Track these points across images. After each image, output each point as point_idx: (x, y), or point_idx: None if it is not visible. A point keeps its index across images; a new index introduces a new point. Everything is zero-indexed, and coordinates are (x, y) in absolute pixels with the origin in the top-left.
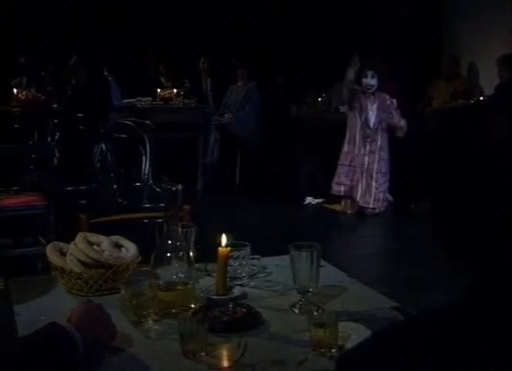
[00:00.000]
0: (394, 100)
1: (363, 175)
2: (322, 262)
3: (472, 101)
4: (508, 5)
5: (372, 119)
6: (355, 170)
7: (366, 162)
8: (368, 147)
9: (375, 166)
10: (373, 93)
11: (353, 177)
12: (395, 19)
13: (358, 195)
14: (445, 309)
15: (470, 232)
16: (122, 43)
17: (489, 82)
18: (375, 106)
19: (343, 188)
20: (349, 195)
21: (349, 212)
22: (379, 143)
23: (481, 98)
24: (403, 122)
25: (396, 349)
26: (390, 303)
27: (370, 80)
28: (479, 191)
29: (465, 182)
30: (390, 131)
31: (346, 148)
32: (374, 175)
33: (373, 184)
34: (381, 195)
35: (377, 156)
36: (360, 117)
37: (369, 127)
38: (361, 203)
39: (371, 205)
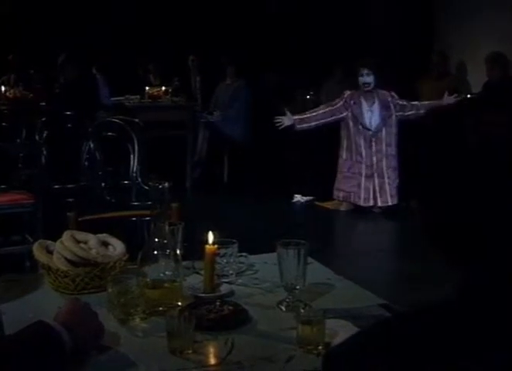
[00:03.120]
0: (393, 93)
1: (375, 176)
2: (310, 259)
3: (461, 99)
4: (497, 5)
5: (374, 119)
6: (354, 176)
7: (374, 161)
8: (374, 147)
9: (384, 163)
10: (371, 92)
11: (352, 183)
12: (386, 18)
13: (361, 200)
14: (432, 307)
15: (462, 232)
16: (111, 41)
17: (477, 80)
18: (376, 105)
19: (342, 194)
20: (348, 201)
21: (342, 209)
22: (385, 140)
23: (468, 96)
24: (423, 110)
25: (382, 346)
26: (378, 300)
27: (366, 78)
28: (468, 190)
29: (454, 180)
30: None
31: (344, 155)
32: (385, 172)
33: (387, 180)
34: (395, 190)
35: (384, 153)
36: (353, 123)
37: (369, 129)
38: (368, 202)
39: (390, 203)
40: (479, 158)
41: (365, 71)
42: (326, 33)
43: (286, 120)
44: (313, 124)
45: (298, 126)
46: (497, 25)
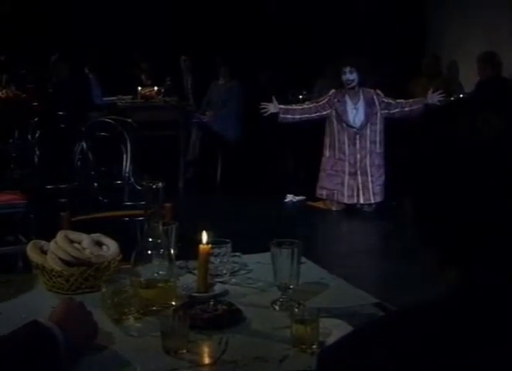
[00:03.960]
0: (379, 91)
1: (358, 173)
2: (303, 259)
3: (453, 98)
4: (489, 4)
5: (358, 117)
6: (337, 174)
7: (358, 159)
8: (358, 144)
9: (367, 161)
10: (356, 89)
11: (336, 181)
12: (378, 18)
13: (345, 198)
14: (428, 306)
15: (455, 231)
16: (103, 41)
17: (469, 80)
18: (361, 102)
19: (325, 192)
20: (332, 199)
21: (334, 209)
22: (369, 137)
23: (461, 96)
24: (415, 106)
25: (376, 345)
26: (372, 299)
27: (349, 75)
28: (464, 189)
29: (449, 180)
30: (389, 121)
31: (327, 153)
32: (369, 170)
33: (370, 179)
34: (378, 188)
35: (368, 150)
36: (337, 121)
37: (353, 127)
38: (352, 200)
39: (372, 201)
40: (472, 158)
41: (347, 69)
42: (318, 33)
43: (272, 107)
44: (297, 116)
45: (282, 115)
46: (489, 25)
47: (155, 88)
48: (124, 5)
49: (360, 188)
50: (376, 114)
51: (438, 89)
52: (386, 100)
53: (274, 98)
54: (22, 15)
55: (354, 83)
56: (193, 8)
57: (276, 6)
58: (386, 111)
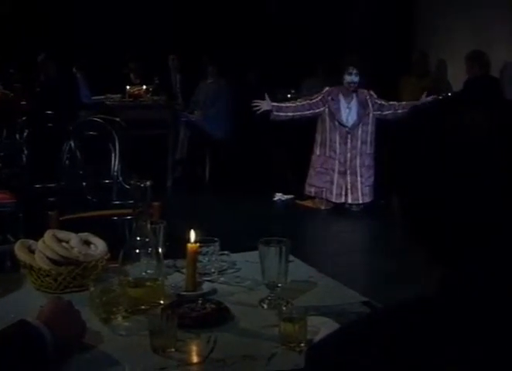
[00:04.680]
0: (372, 92)
1: (347, 173)
2: (292, 257)
3: (441, 97)
4: (477, 3)
5: (351, 117)
6: (327, 172)
7: (348, 158)
8: (349, 143)
9: (357, 161)
10: (354, 90)
11: (325, 179)
12: (368, 16)
13: (333, 196)
14: (412, 303)
15: (449, 231)
16: (91, 40)
17: (458, 79)
18: (354, 102)
19: (313, 190)
20: (320, 197)
21: (323, 208)
22: (360, 137)
23: (449, 94)
24: (401, 110)
25: (363, 342)
26: (360, 298)
27: (354, 78)
28: (456, 189)
29: (440, 180)
30: (381, 122)
31: (318, 151)
32: (358, 170)
33: (359, 179)
34: (367, 189)
35: (358, 150)
36: (330, 119)
37: (346, 126)
38: (340, 199)
39: (360, 201)
40: (463, 157)
41: (354, 71)
42: (307, 32)
43: (265, 104)
44: (290, 114)
45: (275, 113)
46: (477, 24)
47: (144, 87)
48: (116, 5)
49: (349, 187)
50: (368, 114)
51: (427, 87)
52: (379, 102)
53: (266, 96)
54: (8, 14)
55: (356, 85)
56: (188, 7)
57: (276, 6)
58: (378, 112)
